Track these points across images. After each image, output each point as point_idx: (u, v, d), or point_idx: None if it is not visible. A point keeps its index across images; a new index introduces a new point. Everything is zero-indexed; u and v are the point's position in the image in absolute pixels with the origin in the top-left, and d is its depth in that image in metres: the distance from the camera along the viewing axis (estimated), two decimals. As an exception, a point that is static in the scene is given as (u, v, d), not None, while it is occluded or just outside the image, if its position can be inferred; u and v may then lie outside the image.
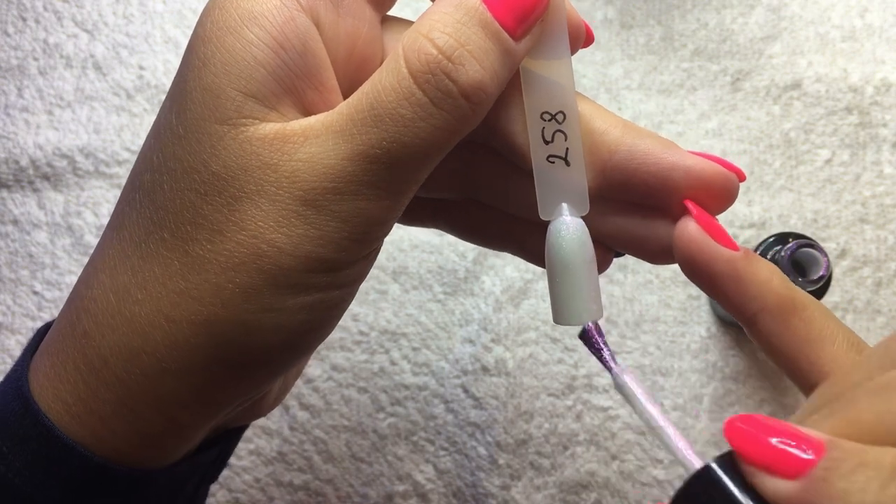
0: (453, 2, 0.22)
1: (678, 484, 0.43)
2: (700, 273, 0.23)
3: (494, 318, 0.46)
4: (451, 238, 0.47)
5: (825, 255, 0.39)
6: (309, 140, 0.21)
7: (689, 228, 0.23)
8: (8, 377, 0.25)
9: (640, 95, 0.49)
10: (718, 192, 0.23)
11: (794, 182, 0.47)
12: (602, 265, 0.26)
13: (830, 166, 0.47)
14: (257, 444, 0.45)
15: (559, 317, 0.24)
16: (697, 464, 0.18)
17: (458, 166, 0.26)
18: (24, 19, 0.52)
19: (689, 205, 0.23)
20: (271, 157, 0.21)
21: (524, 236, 0.27)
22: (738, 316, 0.23)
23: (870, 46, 0.49)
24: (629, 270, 0.47)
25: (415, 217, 0.29)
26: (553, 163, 0.24)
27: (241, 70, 0.21)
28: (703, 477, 0.17)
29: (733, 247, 0.22)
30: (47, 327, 0.26)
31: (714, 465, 0.17)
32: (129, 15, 0.52)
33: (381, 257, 0.47)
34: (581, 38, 0.25)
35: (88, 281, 0.23)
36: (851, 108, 0.48)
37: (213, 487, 0.38)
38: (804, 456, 0.16)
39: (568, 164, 0.24)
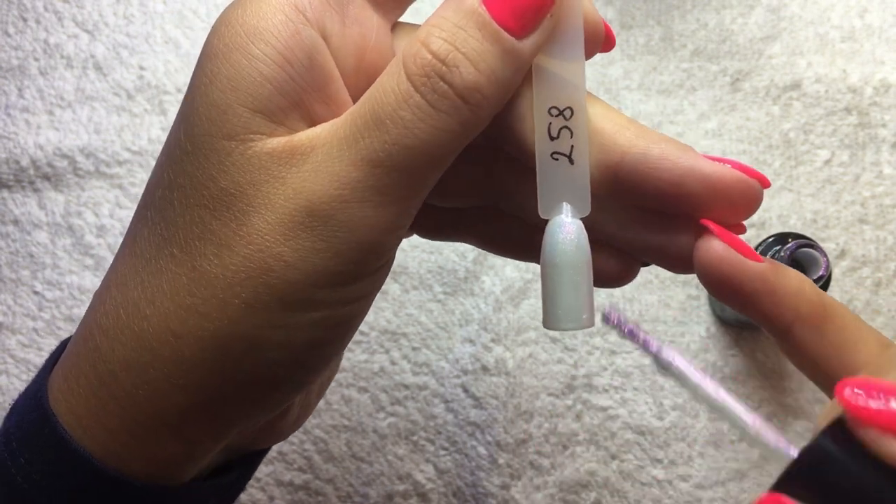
0: (452, 5, 0.22)
1: (679, 484, 0.43)
2: (730, 291, 0.22)
3: (494, 317, 0.46)
4: (451, 238, 0.47)
5: (825, 255, 0.39)
6: (315, 149, 0.21)
7: (714, 247, 0.21)
8: (28, 388, 0.25)
9: (640, 96, 0.49)
10: (738, 200, 0.22)
11: (794, 182, 0.47)
12: (628, 275, 0.25)
13: (830, 167, 0.47)
14: (257, 443, 0.45)
15: (547, 321, 0.23)
16: (781, 441, 0.18)
17: (477, 172, 0.26)
18: (24, 20, 0.52)
19: (709, 224, 0.22)
20: (279, 170, 0.21)
21: None
22: (770, 328, 0.22)
23: (869, 47, 0.49)
24: (629, 270, 0.47)
25: (436, 229, 0.28)
26: (557, 160, 0.23)
27: (247, 86, 0.21)
28: (814, 453, 0.17)
29: (758, 259, 0.21)
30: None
31: (827, 439, 0.17)
32: (130, 15, 0.52)
33: (382, 257, 0.46)
34: (599, 39, 0.23)
35: (101, 296, 0.24)
36: (851, 108, 0.48)
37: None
38: None
39: (572, 162, 0.23)
